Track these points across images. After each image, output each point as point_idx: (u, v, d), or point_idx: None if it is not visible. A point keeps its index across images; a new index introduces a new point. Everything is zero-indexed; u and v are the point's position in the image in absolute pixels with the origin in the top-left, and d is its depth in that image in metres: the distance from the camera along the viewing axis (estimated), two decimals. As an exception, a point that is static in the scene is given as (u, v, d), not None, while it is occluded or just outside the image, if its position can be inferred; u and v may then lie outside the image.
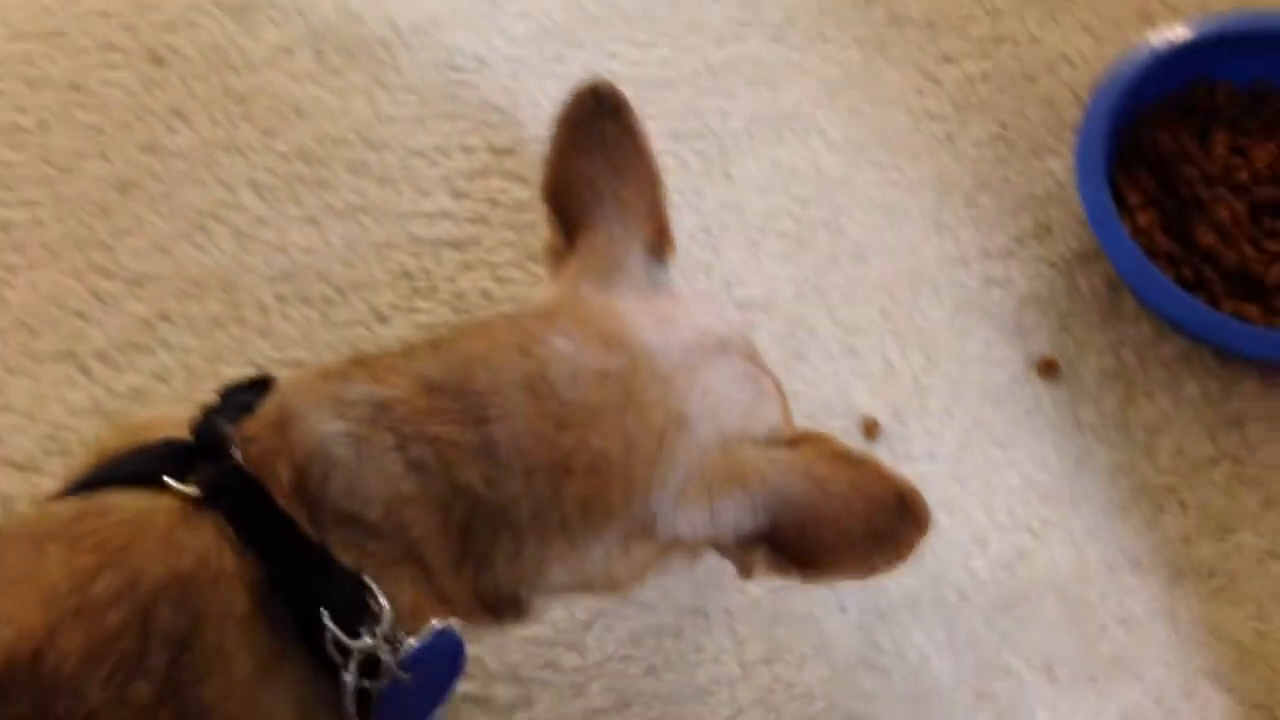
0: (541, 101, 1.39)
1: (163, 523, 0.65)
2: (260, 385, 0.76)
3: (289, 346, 1.23)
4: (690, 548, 0.80)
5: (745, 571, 0.79)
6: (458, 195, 1.33)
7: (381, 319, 1.25)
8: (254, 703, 0.64)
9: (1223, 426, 1.22)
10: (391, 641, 0.67)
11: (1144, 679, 1.10)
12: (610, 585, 0.79)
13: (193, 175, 1.31)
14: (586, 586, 0.79)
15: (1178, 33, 1.33)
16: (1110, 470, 1.20)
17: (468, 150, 1.36)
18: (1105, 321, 1.28)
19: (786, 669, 1.09)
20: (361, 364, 0.74)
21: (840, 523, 0.75)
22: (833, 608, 1.12)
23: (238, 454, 0.69)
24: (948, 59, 1.46)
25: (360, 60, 1.40)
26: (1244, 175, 1.29)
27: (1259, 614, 1.13)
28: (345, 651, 0.66)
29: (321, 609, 0.65)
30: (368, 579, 0.68)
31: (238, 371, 1.21)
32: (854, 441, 1.20)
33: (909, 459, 1.20)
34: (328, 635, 0.66)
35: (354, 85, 1.38)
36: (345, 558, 0.68)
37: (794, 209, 1.35)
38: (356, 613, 0.66)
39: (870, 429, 1.20)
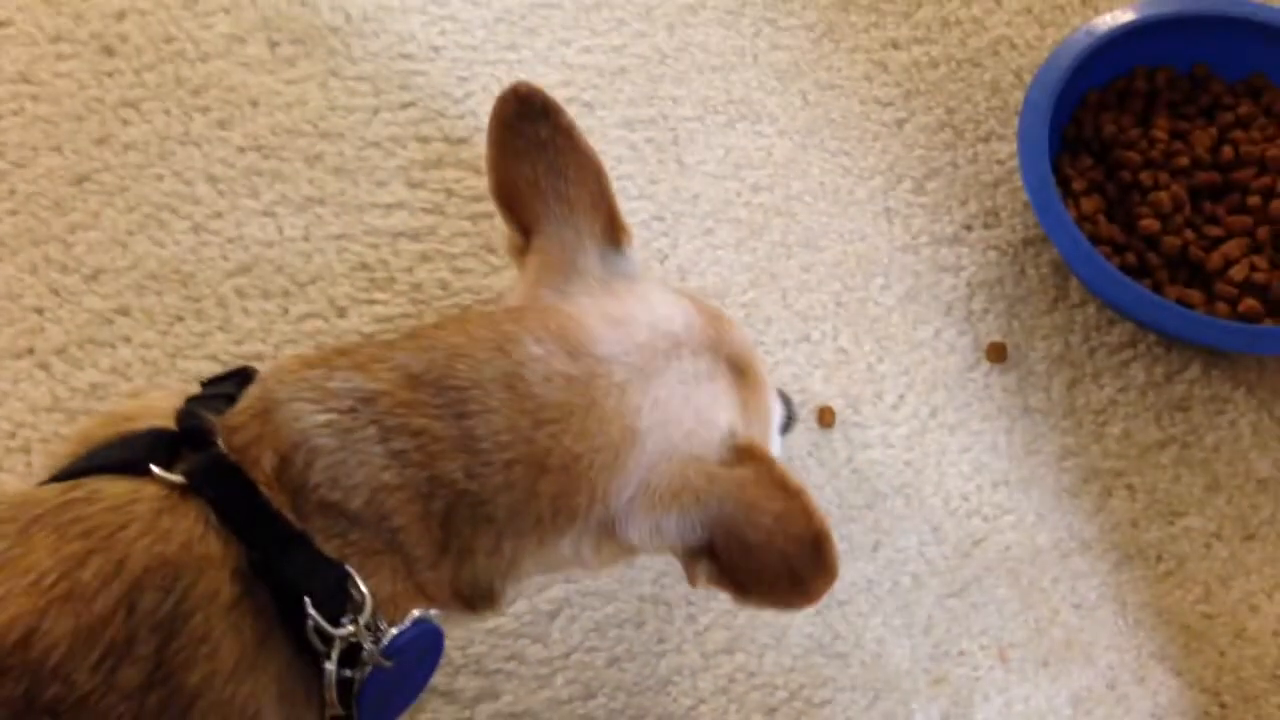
0: (495, 90, 1.38)
1: (148, 509, 0.65)
2: (243, 376, 0.76)
3: (248, 340, 1.22)
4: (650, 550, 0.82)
5: (691, 580, 0.81)
6: (414, 185, 1.33)
7: (340, 312, 1.25)
8: (238, 690, 0.64)
9: (1168, 410, 1.25)
10: (373, 630, 0.68)
11: (1096, 663, 1.13)
12: (582, 571, 0.81)
13: (148, 168, 1.29)
14: (557, 571, 0.81)
15: (1117, 18, 1.35)
16: (1059, 455, 1.22)
17: (423, 140, 1.35)
18: (1053, 306, 1.30)
19: (748, 658, 1.11)
20: (344, 353, 0.75)
21: (763, 553, 0.77)
22: (792, 595, 1.14)
23: (222, 443, 0.69)
24: (895, 44, 1.47)
25: (313, 49, 1.39)
26: (1185, 160, 1.31)
27: (1206, 597, 1.17)
28: (327, 640, 0.67)
29: (305, 597, 0.66)
30: (350, 568, 0.68)
31: (198, 366, 1.21)
32: (810, 430, 1.22)
33: (864, 446, 1.22)
34: (310, 623, 0.66)
35: (308, 75, 1.37)
36: (327, 547, 0.69)
37: (747, 196, 1.36)
38: (339, 601, 0.67)
39: (825, 417, 1.22)
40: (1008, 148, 1.40)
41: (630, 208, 1.33)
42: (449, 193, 1.33)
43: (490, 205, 1.27)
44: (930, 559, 1.16)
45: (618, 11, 1.46)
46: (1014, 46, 1.48)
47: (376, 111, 1.36)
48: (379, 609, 0.69)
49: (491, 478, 0.72)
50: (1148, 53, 1.37)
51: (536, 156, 0.86)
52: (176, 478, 0.67)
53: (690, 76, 1.43)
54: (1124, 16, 1.35)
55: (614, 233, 0.88)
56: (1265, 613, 1.17)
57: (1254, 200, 1.29)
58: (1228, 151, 1.31)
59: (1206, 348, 1.26)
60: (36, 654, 0.58)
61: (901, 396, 1.25)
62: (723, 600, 1.13)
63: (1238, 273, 1.24)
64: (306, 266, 1.26)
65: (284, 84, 1.36)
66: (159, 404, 0.74)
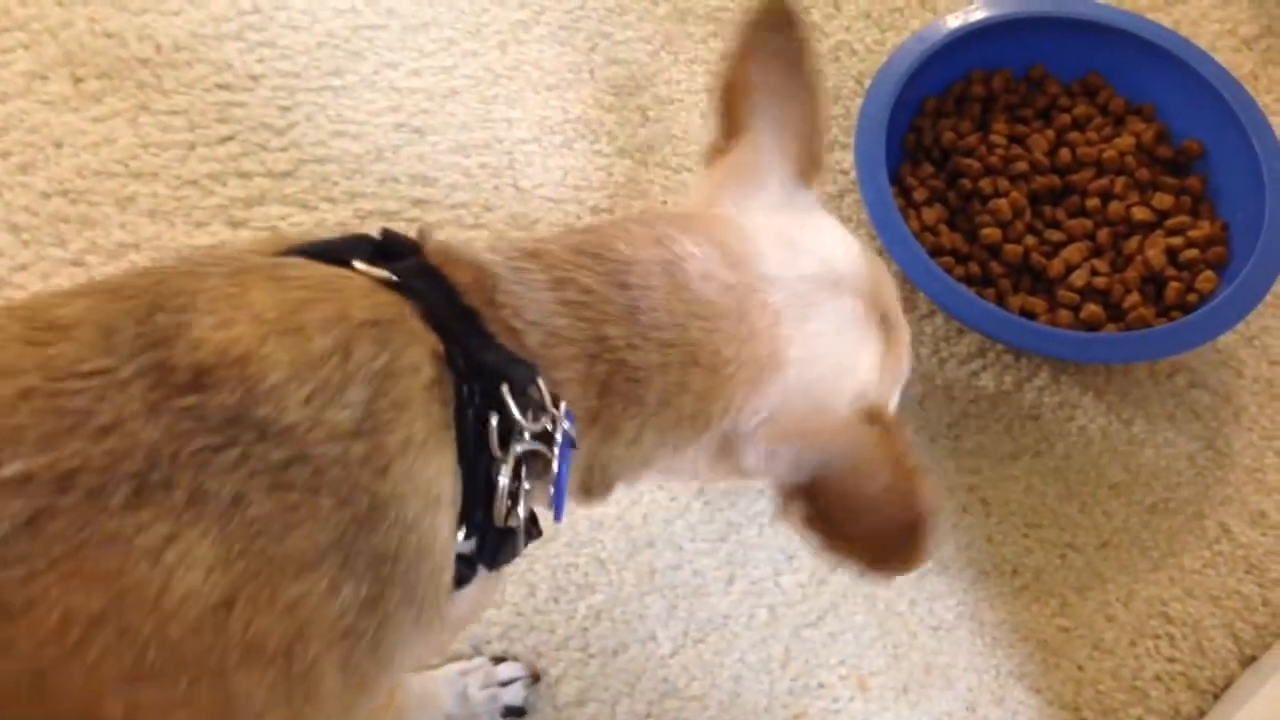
0: (318, 119, 1.29)
1: (363, 284, 0.64)
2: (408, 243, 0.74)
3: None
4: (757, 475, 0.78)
5: (781, 513, 0.77)
6: (235, 225, 1.23)
7: (160, 364, 1.15)
8: (427, 464, 0.62)
9: (1019, 420, 1.20)
10: (548, 437, 0.65)
11: (955, 686, 1.08)
12: (691, 481, 0.80)
13: (-59, 220, 1.18)
14: (673, 478, 0.78)
15: (948, 24, 1.30)
16: (912, 472, 1.17)
17: (244, 176, 1.25)
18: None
19: (600, 708, 1.04)
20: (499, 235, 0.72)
21: (863, 517, 0.74)
22: (643, 638, 1.07)
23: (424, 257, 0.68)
24: (734, 54, 1.40)
25: (121, 83, 1.28)
26: (1024, 165, 1.26)
27: (1062, 609, 1.12)
28: (505, 437, 0.65)
29: (503, 384, 0.64)
30: (539, 368, 0.66)
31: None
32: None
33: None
34: (493, 425, 0.64)
35: (116, 111, 1.26)
36: None
37: (587, 219, 1.28)
38: (526, 401, 0.65)
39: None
40: (850, 157, 1.34)
41: (466, 236, 1.25)
42: (274, 231, 1.23)
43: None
44: (785, 588, 1.10)
45: (446, 31, 1.38)
46: (854, 52, 1.43)
47: (192, 147, 1.26)
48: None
49: (650, 354, 0.69)
50: (983, 56, 1.33)
51: (773, 65, 0.83)
52: (384, 273, 0.65)
53: (525, 96, 1.35)
54: (955, 22, 1.30)
55: (811, 167, 0.83)
56: (1121, 622, 1.12)
57: (1093, 203, 1.25)
58: (1065, 154, 1.27)
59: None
60: (253, 372, 0.57)
61: (751, 420, 1.18)
62: (574, 650, 1.05)
63: (1079, 278, 1.19)
64: (121, 317, 1.16)
65: (90, 122, 1.25)
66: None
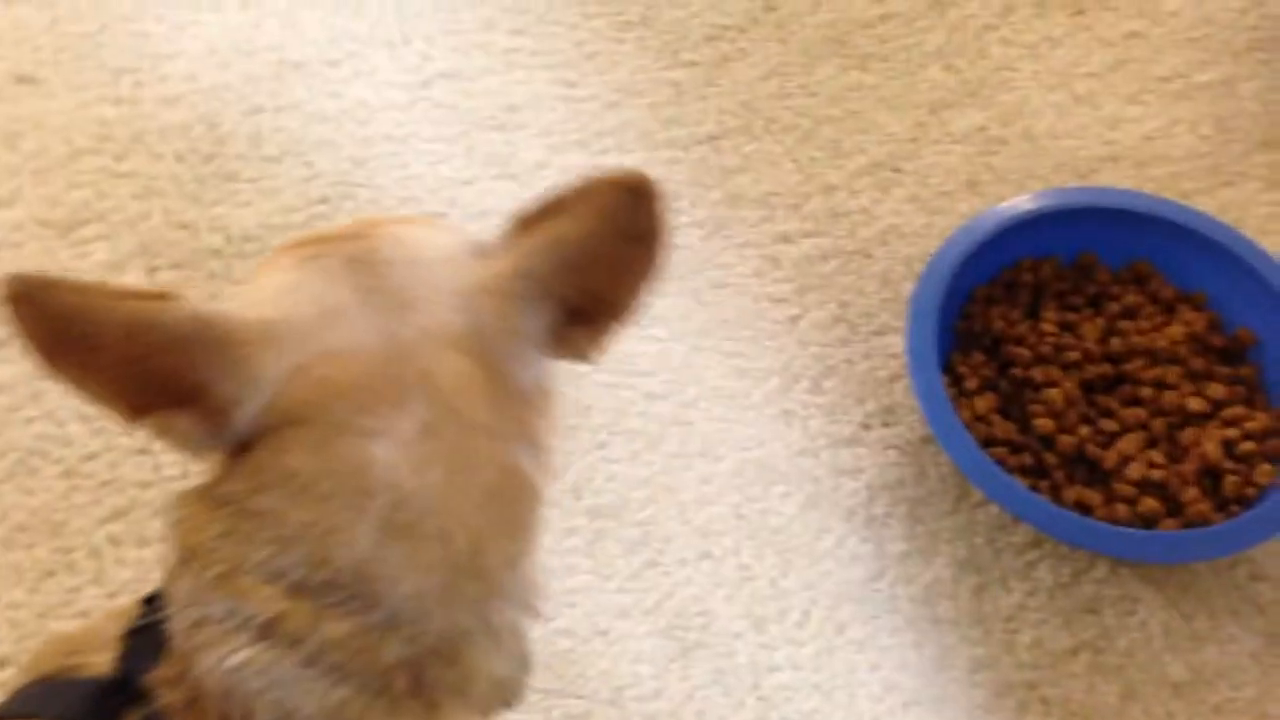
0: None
1: None
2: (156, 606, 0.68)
3: (123, 593, 1.12)
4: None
5: (575, 353, 0.70)
6: (299, 412, 1.24)
7: (222, 552, 1.15)
8: None
9: (1078, 614, 1.18)
10: None
11: None
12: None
13: (16, 410, 1.20)
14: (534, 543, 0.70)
15: (998, 214, 1.30)
16: (971, 668, 1.14)
17: (308, 363, 1.27)
18: (955, 508, 1.23)
19: None
20: (192, 552, 0.64)
21: (597, 247, 0.67)
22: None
23: (160, 699, 0.63)
24: (786, 238, 1.42)
25: (193, 273, 1.31)
26: (1075, 354, 1.25)
27: (1125, 818, 1.08)
28: None
29: None
30: None
31: (69, 625, 1.10)
32: (715, 655, 1.13)
33: (770, 669, 1.13)
34: None
35: (187, 301, 1.28)
36: None
37: (641, 405, 1.28)
38: None
39: (730, 641, 1.13)
40: (902, 341, 1.34)
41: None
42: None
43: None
44: (843, 792, 1.07)
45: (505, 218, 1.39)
46: (902, 235, 1.43)
47: (260, 336, 1.28)
48: None
49: (439, 619, 0.64)
50: (1032, 244, 1.33)
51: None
52: None
53: (581, 282, 1.36)
54: (1006, 213, 1.30)
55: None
56: (1190, 829, 1.08)
57: (1146, 392, 1.23)
58: (1117, 343, 1.26)
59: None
60: None
61: (806, 613, 1.17)
62: None
63: (1135, 471, 1.17)
64: (185, 507, 1.16)
65: (163, 312, 1.28)
66: (104, 629, 0.68)
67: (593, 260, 0.68)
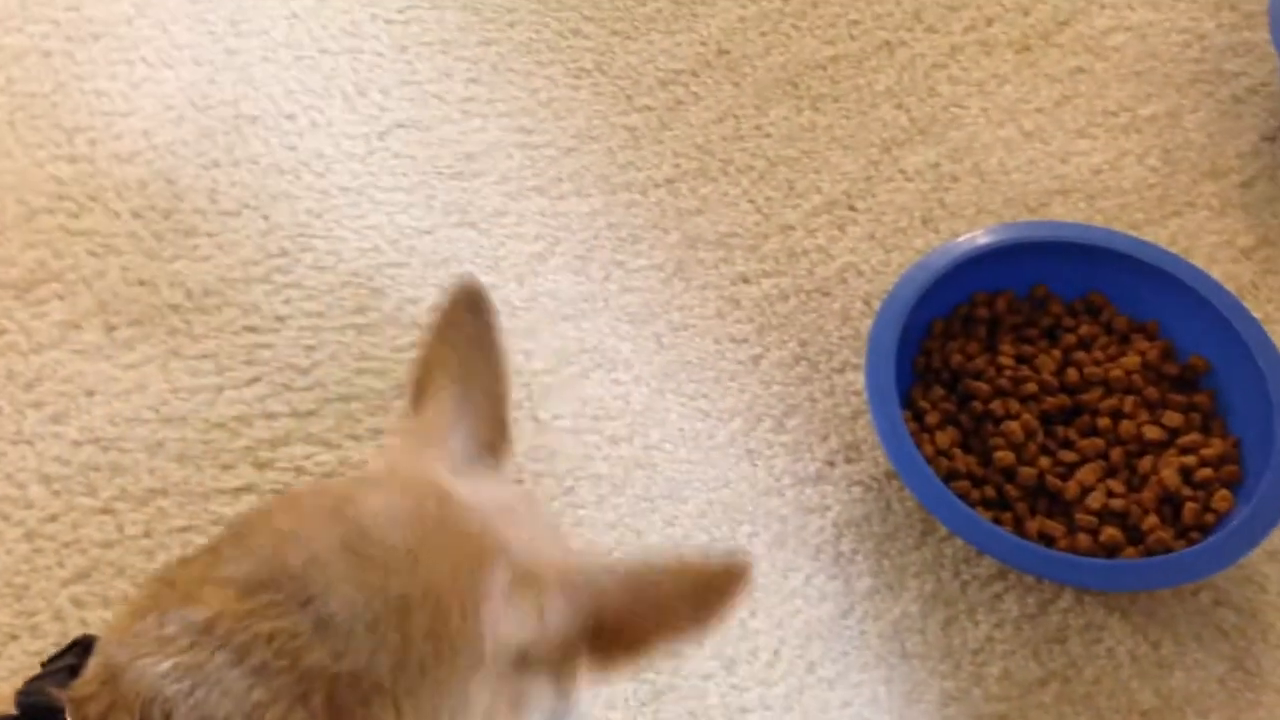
0: (342, 356, 1.31)
1: None
2: (84, 645, 0.68)
3: (87, 654, 1.10)
4: (540, 668, 0.72)
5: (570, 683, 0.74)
6: (261, 466, 1.23)
7: (187, 610, 1.13)
8: None
9: (1045, 644, 1.18)
10: None
11: None
12: None
13: (-25, 473, 1.18)
14: None
15: (948, 251, 1.32)
16: (941, 701, 1.14)
17: (270, 417, 1.26)
18: (921, 541, 1.24)
19: None
20: (169, 584, 0.67)
21: (660, 589, 0.74)
22: None
23: (71, 717, 0.62)
24: (745, 279, 1.43)
25: (153, 330, 1.30)
26: (1033, 386, 1.26)
27: None
28: None
29: None
30: None
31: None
32: (685, 698, 1.13)
33: (742, 710, 1.13)
34: None
35: (147, 358, 1.28)
36: None
37: (606, 449, 1.28)
38: None
39: (701, 683, 1.13)
40: (862, 377, 1.34)
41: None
42: (299, 470, 1.23)
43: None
44: (819, 832, 1.07)
45: (465, 265, 1.40)
46: (860, 273, 1.44)
47: (220, 390, 1.27)
48: None
49: (360, 646, 0.64)
50: (987, 278, 1.34)
51: (464, 344, 0.85)
52: None
53: (541, 327, 1.36)
54: (959, 248, 1.32)
55: (498, 439, 0.85)
56: None
57: (1104, 422, 1.24)
58: (1073, 374, 1.28)
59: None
60: None
61: (776, 652, 1.16)
62: None
63: (1095, 500, 1.18)
64: (149, 566, 1.16)
65: (122, 369, 1.27)
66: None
67: (648, 598, 0.74)
